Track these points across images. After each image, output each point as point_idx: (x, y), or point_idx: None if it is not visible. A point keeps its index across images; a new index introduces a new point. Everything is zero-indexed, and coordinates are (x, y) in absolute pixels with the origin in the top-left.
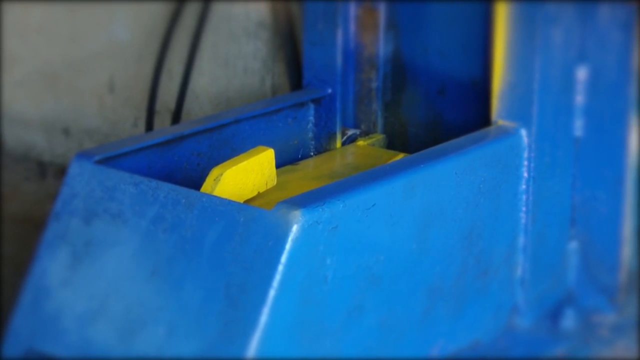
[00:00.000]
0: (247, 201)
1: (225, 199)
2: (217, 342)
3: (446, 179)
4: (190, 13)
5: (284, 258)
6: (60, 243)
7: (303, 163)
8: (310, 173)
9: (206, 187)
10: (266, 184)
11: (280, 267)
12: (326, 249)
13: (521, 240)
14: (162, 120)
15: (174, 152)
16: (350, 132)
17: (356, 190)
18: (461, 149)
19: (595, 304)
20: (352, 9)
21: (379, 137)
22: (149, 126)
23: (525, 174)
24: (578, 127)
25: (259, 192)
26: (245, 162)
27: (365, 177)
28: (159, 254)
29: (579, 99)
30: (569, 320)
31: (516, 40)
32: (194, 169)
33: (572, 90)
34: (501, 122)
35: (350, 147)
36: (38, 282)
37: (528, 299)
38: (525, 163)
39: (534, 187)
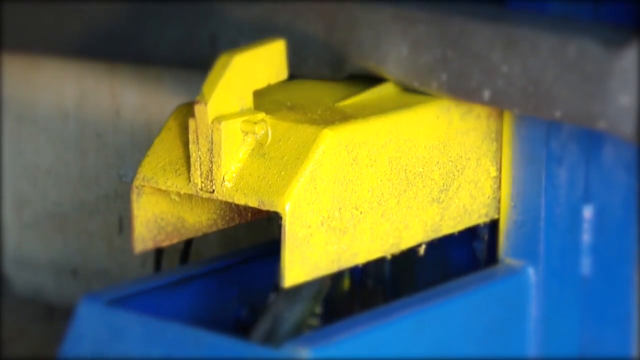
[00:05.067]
0: (257, 91)
1: (234, 340)
2: None
3: (454, 319)
4: None
5: None
6: None
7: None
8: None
9: (214, 74)
10: (277, 76)
11: None
12: None
13: None
14: (171, 261)
15: (183, 292)
16: None
17: (365, 329)
18: (469, 289)
19: None
20: None
21: None
22: (157, 267)
23: (534, 312)
24: (585, 265)
25: (269, 84)
26: (254, 50)
27: (374, 316)
28: None
29: (586, 237)
30: None
31: (522, 180)
32: (203, 308)
33: (578, 229)
34: (508, 261)
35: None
36: None
37: None
38: (534, 301)
39: (543, 326)
